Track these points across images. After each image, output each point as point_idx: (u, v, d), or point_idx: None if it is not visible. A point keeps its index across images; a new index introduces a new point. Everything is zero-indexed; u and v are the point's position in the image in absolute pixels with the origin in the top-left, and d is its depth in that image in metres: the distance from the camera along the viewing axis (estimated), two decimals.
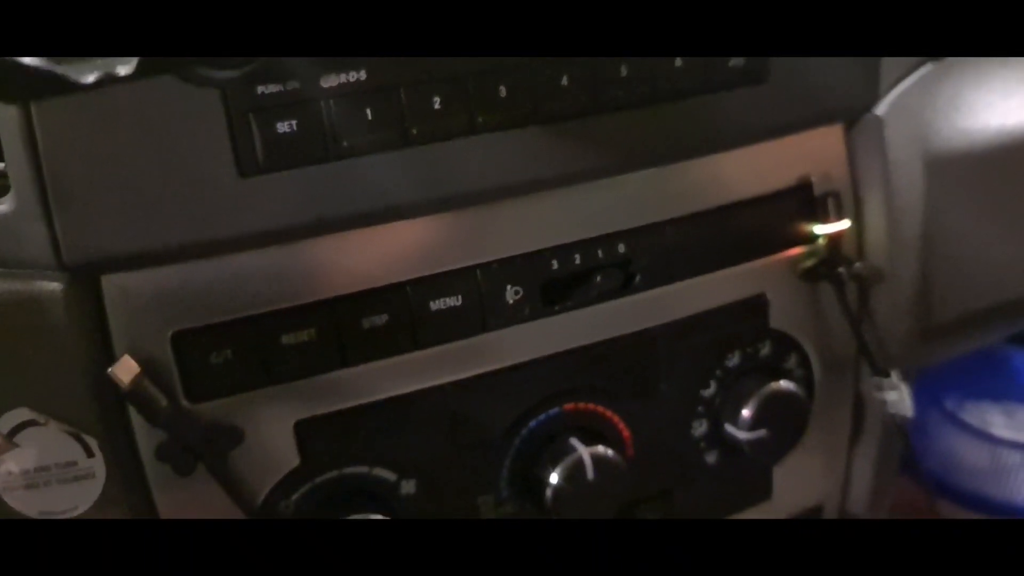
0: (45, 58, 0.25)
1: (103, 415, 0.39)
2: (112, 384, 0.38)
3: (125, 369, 0.38)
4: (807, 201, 0.49)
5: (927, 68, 0.52)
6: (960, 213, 0.52)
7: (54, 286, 0.37)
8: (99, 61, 0.26)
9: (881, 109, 0.49)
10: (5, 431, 0.38)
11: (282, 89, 0.37)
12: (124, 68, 0.26)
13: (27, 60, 0.24)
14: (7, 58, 0.25)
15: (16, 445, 0.38)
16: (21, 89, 0.26)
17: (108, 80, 0.26)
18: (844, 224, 0.49)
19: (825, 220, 0.48)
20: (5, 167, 0.36)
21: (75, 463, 0.39)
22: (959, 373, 0.86)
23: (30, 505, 0.39)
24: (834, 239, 0.49)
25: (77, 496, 0.40)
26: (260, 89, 0.36)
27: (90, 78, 0.25)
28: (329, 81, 0.37)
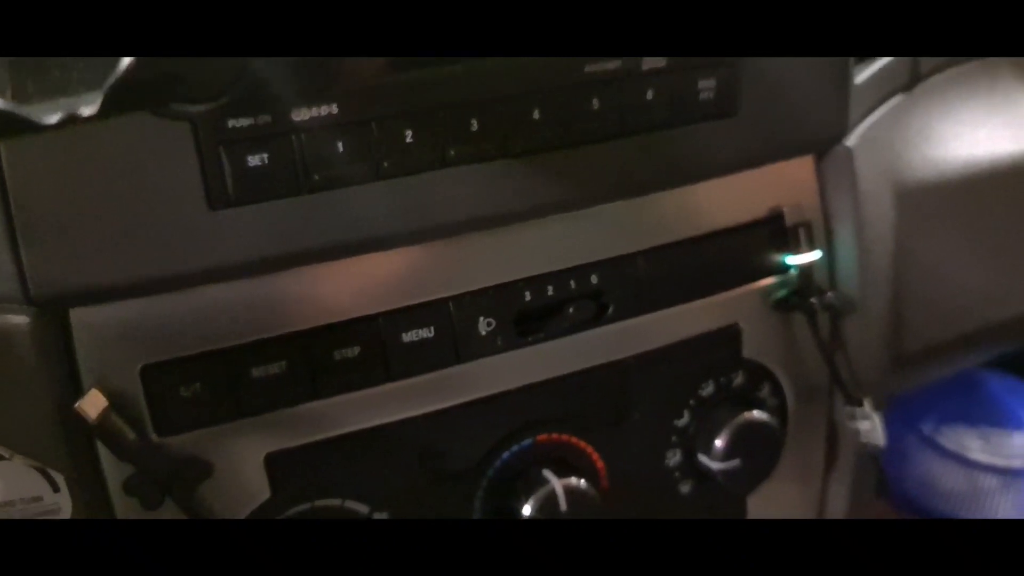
0: (8, 100, 0.25)
1: (70, 449, 0.38)
2: (80, 418, 0.37)
3: (92, 403, 0.37)
4: (779, 232, 0.49)
5: (896, 99, 0.53)
6: (930, 243, 0.52)
7: (20, 320, 0.36)
8: (62, 101, 0.26)
9: (851, 140, 0.50)
10: None
11: (253, 123, 0.36)
12: (87, 108, 0.26)
13: None
14: None
15: None
16: None
17: (71, 120, 0.25)
18: (815, 254, 0.49)
19: (797, 250, 0.49)
20: None
21: (40, 498, 0.39)
22: (935, 397, 0.86)
23: None
24: (806, 269, 0.49)
25: None
26: (231, 122, 0.36)
27: (53, 119, 0.25)
28: (300, 115, 0.37)
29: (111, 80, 0.25)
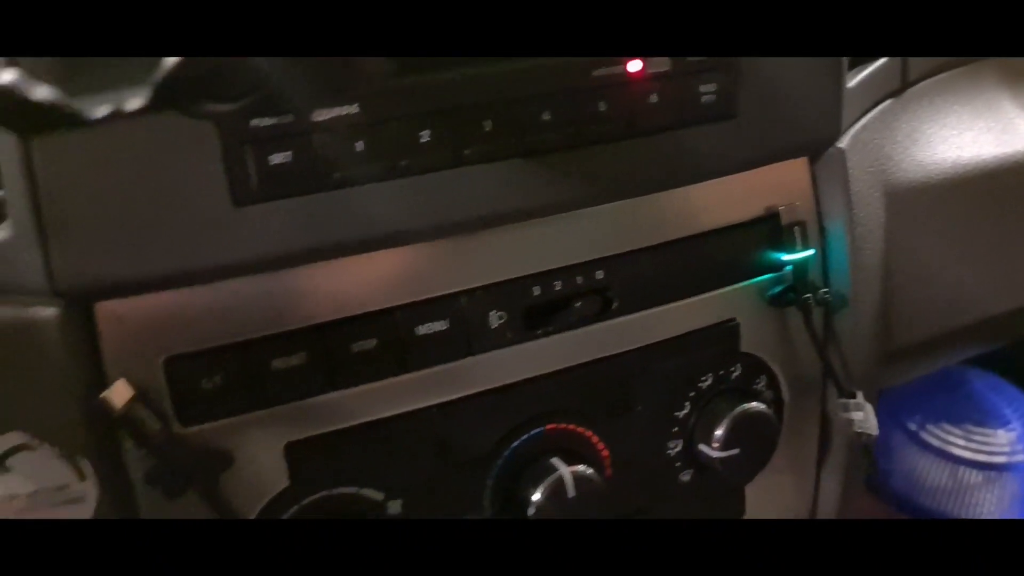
0: (57, 92, 0.26)
1: (96, 439, 0.39)
2: (104, 408, 0.38)
3: (118, 394, 0.38)
4: (775, 230, 0.51)
5: (886, 104, 0.55)
6: (919, 241, 0.54)
7: (49, 312, 0.37)
8: (108, 96, 0.27)
9: (844, 143, 0.52)
10: None
11: (276, 122, 0.38)
12: (133, 103, 0.27)
13: (39, 93, 0.25)
14: (19, 92, 0.26)
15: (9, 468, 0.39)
16: (32, 122, 0.27)
17: (117, 115, 0.27)
18: (810, 252, 0.51)
19: (792, 248, 0.51)
20: (3, 195, 0.37)
21: (67, 486, 0.39)
22: (920, 394, 0.88)
23: None
24: (800, 267, 0.51)
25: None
26: (255, 122, 0.38)
27: (99, 113, 0.26)
28: (322, 115, 0.38)
29: (159, 76, 0.26)
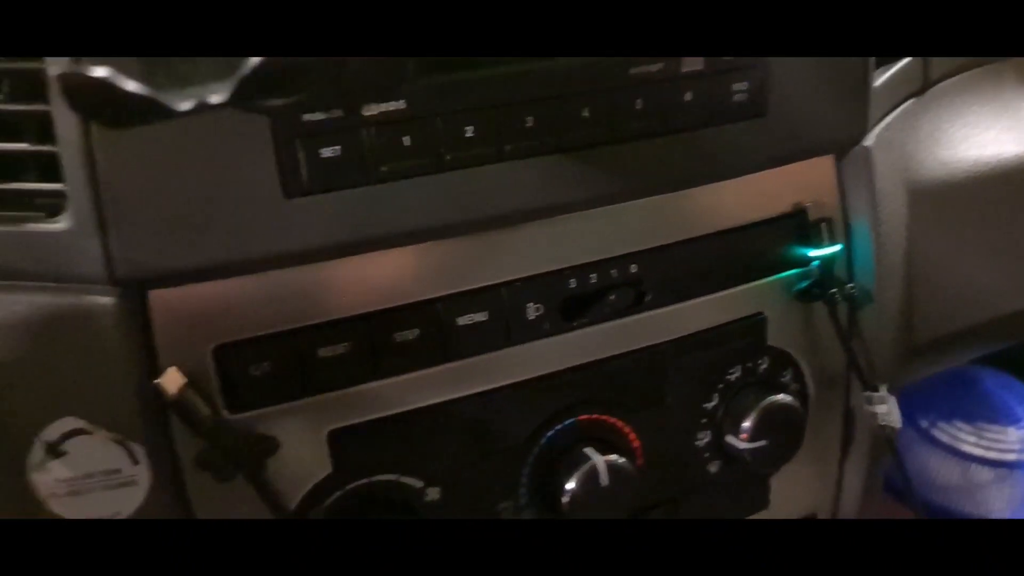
0: (144, 85, 0.27)
1: (148, 424, 0.40)
2: (157, 394, 0.39)
3: (172, 380, 0.40)
4: (802, 226, 0.52)
5: (909, 104, 0.56)
6: (940, 238, 0.56)
7: (105, 300, 0.38)
8: (191, 90, 0.28)
9: (869, 141, 0.53)
10: (53, 439, 0.39)
11: (327, 117, 0.39)
12: (216, 97, 0.28)
13: (131, 87, 0.27)
14: (115, 86, 0.27)
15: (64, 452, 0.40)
16: (123, 115, 0.28)
17: (202, 108, 0.28)
18: (836, 248, 0.52)
19: (819, 244, 0.52)
20: (64, 188, 0.38)
21: (119, 470, 0.41)
22: (932, 392, 0.89)
23: (73, 511, 0.41)
24: (827, 262, 0.52)
25: (119, 502, 0.41)
26: (307, 116, 0.39)
27: (186, 106, 0.27)
28: (370, 110, 0.40)
29: (243, 72, 0.27)
